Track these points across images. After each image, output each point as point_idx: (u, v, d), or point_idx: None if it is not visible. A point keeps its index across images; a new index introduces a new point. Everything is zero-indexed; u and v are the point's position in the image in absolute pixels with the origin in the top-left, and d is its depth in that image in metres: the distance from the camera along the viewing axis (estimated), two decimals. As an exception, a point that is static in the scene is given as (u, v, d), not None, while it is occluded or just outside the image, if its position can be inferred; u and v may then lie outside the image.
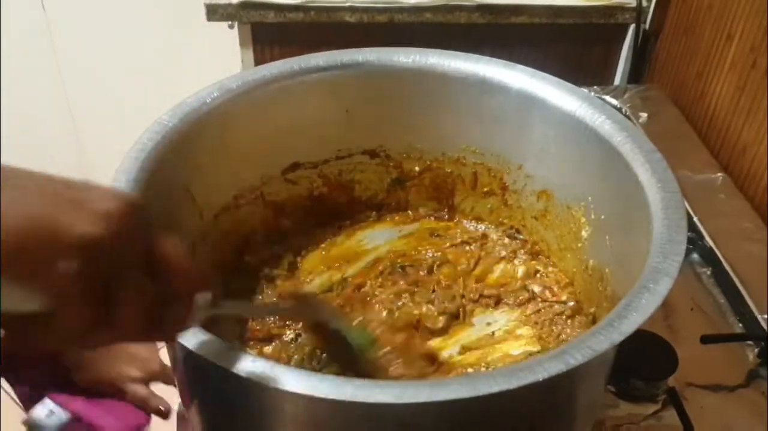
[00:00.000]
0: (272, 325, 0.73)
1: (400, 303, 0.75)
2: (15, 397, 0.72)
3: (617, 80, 1.40)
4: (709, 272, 0.90)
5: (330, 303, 0.74)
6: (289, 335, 0.72)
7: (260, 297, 0.76)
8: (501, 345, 0.72)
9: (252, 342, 0.72)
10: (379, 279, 0.78)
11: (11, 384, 0.74)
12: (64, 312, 0.34)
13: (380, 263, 0.80)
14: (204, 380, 0.55)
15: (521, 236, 0.83)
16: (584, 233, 0.74)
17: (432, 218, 0.87)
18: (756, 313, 0.82)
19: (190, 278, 0.40)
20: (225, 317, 0.60)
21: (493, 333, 0.73)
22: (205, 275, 0.43)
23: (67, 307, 0.34)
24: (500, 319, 0.75)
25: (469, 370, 0.69)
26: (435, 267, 0.79)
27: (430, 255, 0.81)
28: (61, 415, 0.71)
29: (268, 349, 0.71)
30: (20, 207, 0.33)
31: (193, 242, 0.71)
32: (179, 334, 0.43)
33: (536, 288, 0.77)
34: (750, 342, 0.81)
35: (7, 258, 0.32)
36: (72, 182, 0.36)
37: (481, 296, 0.76)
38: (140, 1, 1.76)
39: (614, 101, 1.18)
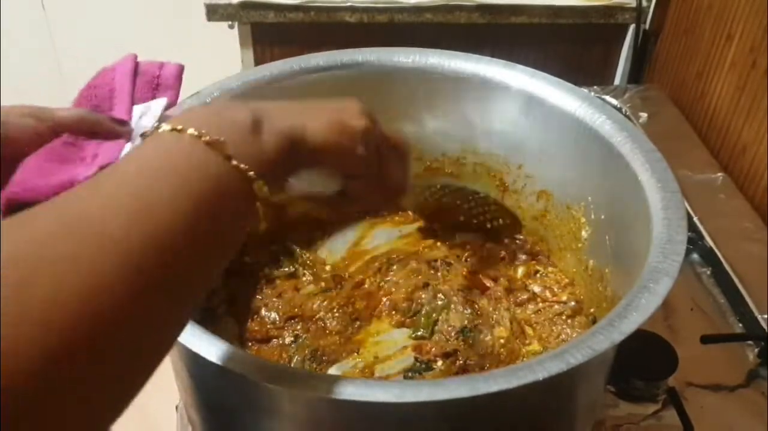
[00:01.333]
0: (270, 326, 0.73)
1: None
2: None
3: (617, 80, 1.40)
4: (709, 272, 0.90)
5: None
6: (287, 337, 0.72)
7: (259, 297, 0.76)
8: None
9: (251, 343, 0.72)
10: (378, 276, 0.78)
11: None
12: (355, 186, 0.52)
13: (376, 260, 0.80)
14: (204, 380, 0.55)
15: (521, 236, 0.83)
16: (584, 233, 0.74)
17: (432, 218, 0.87)
18: (756, 313, 0.82)
19: (401, 146, 0.56)
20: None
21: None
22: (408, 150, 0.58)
23: (359, 181, 0.51)
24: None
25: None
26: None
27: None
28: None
29: (267, 350, 0.71)
30: (317, 120, 0.46)
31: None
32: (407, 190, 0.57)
33: (536, 288, 0.78)
34: (750, 342, 0.81)
35: (329, 152, 0.47)
36: (329, 103, 0.50)
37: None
38: (140, 2, 1.77)
39: (614, 101, 1.18)
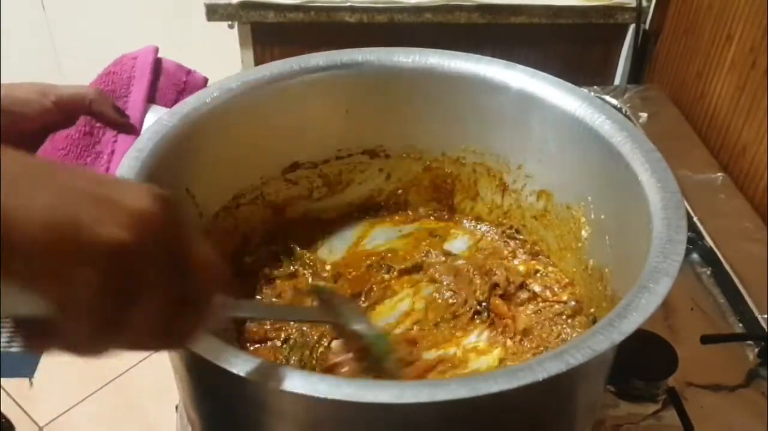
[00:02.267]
0: (268, 327, 0.73)
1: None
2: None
3: (617, 80, 1.40)
4: (709, 272, 0.90)
5: (356, 303, 0.74)
6: (286, 336, 0.72)
7: (259, 297, 0.76)
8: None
9: (249, 344, 0.72)
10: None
11: None
12: (68, 322, 0.31)
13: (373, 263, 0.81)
14: (204, 380, 0.55)
15: (521, 236, 0.83)
16: (584, 233, 0.74)
17: (432, 218, 0.87)
18: (756, 313, 0.82)
19: (212, 279, 0.37)
20: (237, 319, 0.58)
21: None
22: (227, 276, 0.40)
23: (73, 316, 0.30)
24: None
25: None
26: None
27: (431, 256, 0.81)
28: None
29: (266, 350, 0.71)
30: (39, 202, 0.29)
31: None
32: (193, 339, 0.38)
33: (536, 288, 0.77)
34: (750, 342, 0.81)
35: (11, 257, 0.28)
36: (104, 177, 0.33)
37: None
38: (140, 2, 1.77)
39: (614, 101, 1.18)
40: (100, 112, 0.65)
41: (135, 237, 0.31)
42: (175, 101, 0.70)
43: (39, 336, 0.32)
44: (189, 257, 0.35)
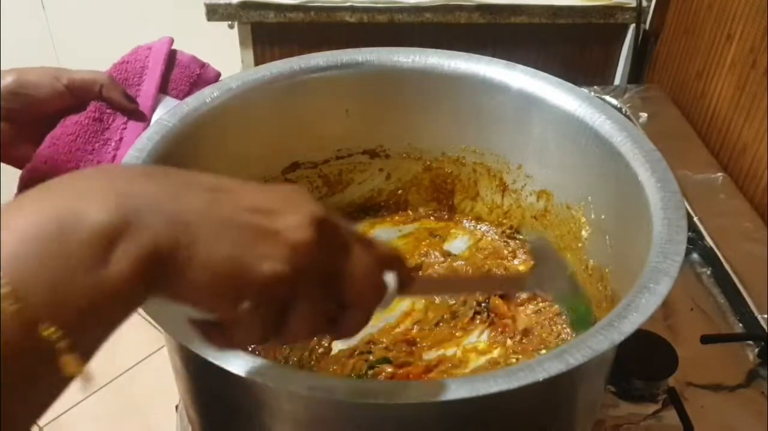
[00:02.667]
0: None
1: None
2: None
3: (617, 80, 1.40)
4: (709, 272, 0.90)
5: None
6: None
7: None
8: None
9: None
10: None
11: None
12: (237, 333, 0.37)
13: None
14: (204, 380, 0.55)
15: (521, 236, 0.83)
16: (584, 233, 0.74)
17: (432, 218, 0.87)
18: (756, 313, 0.82)
19: (369, 285, 0.40)
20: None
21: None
22: (390, 260, 0.43)
23: (240, 330, 0.37)
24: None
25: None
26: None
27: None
28: None
29: (265, 350, 0.71)
30: (215, 256, 0.33)
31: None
32: (358, 330, 0.42)
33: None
34: (750, 342, 0.81)
35: (202, 303, 0.34)
36: (265, 205, 0.36)
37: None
38: (140, 1, 1.77)
39: (614, 101, 1.18)
40: (110, 97, 0.66)
41: (292, 267, 0.35)
42: (188, 93, 0.71)
43: (218, 338, 0.38)
44: (342, 271, 0.39)
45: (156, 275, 0.32)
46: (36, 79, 0.64)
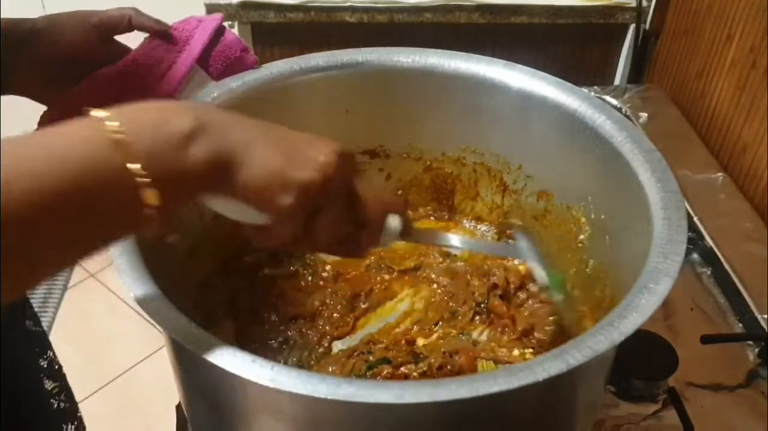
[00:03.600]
0: (269, 326, 0.73)
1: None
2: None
3: (617, 80, 1.40)
4: (709, 272, 0.90)
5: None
6: (285, 337, 0.72)
7: (258, 298, 0.76)
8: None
9: (249, 344, 0.72)
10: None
11: None
12: (278, 228, 0.47)
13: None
14: (203, 380, 0.55)
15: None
16: (584, 234, 0.74)
17: (432, 218, 0.87)
18: (756, 313, 0.82)
19: (378, 209, 0.52)
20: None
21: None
22: (395, 203, 0.55)
23: (281, 225, 0.47)
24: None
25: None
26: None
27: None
28: None
29: (265, 350, 0.71)
30: (262, 157, 0.44)
31: (194, 241, 0.71)
32: (369, 252, 0.55)
33: (535, 289, 0.77)
34: (750, 342, 0.81)
35: (253, 196, 0.45)
36: (299, 137, 0.48)
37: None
38: (139, 2, 1.76)
39: (614, 101, 1.18)
40: (140, 23, 0.69)
41: (322, 178, 0.46)
42: (223, 74, 0.72)
43: (260, 236, 0.49)
44: (357, 190, 0.50)
45: (221, 170, 0.43)
46: (66, 20, 0.68)
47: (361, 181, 0.51)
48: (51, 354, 0.75)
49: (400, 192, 0.86)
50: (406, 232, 0.54)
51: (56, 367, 0.75)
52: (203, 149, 0.42)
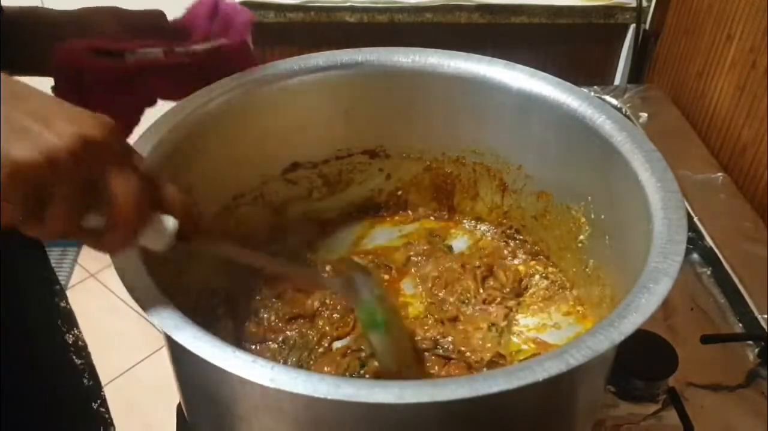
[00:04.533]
0: (268, 326, 0.73)
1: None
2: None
3: (617, 80, 1.40)
4: (709, 272, 0.90)
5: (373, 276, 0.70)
6: (285, 337, 0.72)
7: (258, 298, 0.76)
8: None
9: (248, 344, 0.72)
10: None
11: None
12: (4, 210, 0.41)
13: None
14: (203, 380, 0.55)
15: (521, 236, 0.83)
16: (584, 234, 0.74)
17: (432, 218, 0.87)
18: (756, 313, 0.82)
19: (128, 210, 0.44)
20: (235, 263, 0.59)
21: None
22: (170, 205, 0.48)
23: (3, 211, 0.41)
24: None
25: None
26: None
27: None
28: None
29: (265, 350, 0.71)
30: None
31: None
32: (122, 249, 0.48)
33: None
34: (750, 342, 0.81)
35: None
36: (50, 111, 0.41)
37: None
38: (139, 2, 1.76)
39: (614, 101, 1.18)
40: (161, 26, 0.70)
41: (41, 161, 0.40)
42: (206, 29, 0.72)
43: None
44: (103, 189, 0.43)
45: None
46: (99, 18, 0.68)
47: (115, 173, 0.44)
48: (76, 331, 0.75)
49: (400, 192, 0.86)
50: (185, 236, 0.49)
51: (81, 343, 0.76)
52: None
